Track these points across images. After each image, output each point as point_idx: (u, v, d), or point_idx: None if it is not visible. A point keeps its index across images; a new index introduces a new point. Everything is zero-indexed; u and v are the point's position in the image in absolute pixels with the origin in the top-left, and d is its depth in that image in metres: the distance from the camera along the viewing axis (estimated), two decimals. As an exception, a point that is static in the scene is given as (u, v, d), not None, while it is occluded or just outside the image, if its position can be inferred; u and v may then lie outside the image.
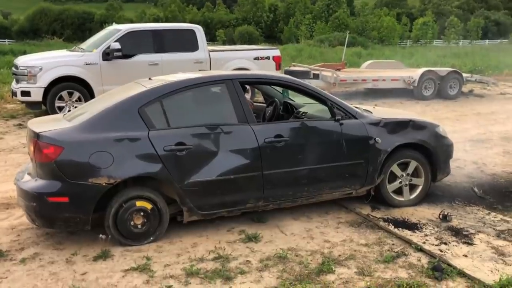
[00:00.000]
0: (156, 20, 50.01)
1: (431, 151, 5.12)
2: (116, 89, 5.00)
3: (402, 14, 64.54)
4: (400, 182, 5.10)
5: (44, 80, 9.36)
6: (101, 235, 4.16)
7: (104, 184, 3.98)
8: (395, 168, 5.03)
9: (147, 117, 4.20)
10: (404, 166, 5.07)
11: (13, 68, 10.08)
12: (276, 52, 11.92)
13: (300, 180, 4.64)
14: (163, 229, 4.32)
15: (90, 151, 3.97)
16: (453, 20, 56.85)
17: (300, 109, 5.43)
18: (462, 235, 4.43)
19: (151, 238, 4.25)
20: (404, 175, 5.08)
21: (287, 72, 12.75)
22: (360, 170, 4.85)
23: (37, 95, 9.41)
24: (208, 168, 4.29)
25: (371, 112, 5.19)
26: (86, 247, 4.18)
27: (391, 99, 13.15)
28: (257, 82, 5.21)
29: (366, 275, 3.76)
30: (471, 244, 4.27)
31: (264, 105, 5.83)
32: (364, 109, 5.26)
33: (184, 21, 55.17)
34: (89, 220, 4.04)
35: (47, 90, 9.45)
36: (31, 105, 9.80)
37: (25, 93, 9.43)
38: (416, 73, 13.26)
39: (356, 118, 4.87)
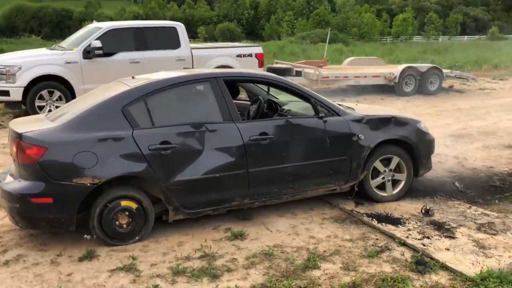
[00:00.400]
0: (136, 17, 49.50)
1: (413, 147, 5.19)
2: (99, 88, 4.97)
3: (383, 11, 64.94)
4: (383, 178, 5.17)
5: (23, 79, 9.23)
6: (86, 235, 4.14)
7: (88, 184, 3.96)
8: (378, 164, 5.10)
9: (131, 116, 4.18)
10: (386, 162, 5.15)
11: (-9, 67, 9.90)
12: (258, 49, 11.93)
13: (285, 177, 4.67)
14: (149, 229, 4.31)
15: (74, 151, 3.94)
16: (432, 16, 57.62)
17: (284, 107, 5.46)
18: (444, 229, 4.51)
19: (137, 237, 4.24)
20: (387, 170, 5.15)
21: (270, 70, 12.76)
22: (344, 166, 4.90)
23: (16, 95, 9.27)
24: (193, 167, 4.29)
25: (354, 109, 5.24)
26: (71, 248, 4.15)
27: (373, 95, 13.28)
28: (241, 80, 5.23)
29: (351, 270, 3.80)
30: (453, 237, 4.35)
31: (248, 103, 5.84)
32: (347, 106, 5.31)
33: (165, 19, 54.74)
34: (73, 220, 4.01)
35: (27, 89, 9.31)
36: (10, 104, 9.66)
37: (4, 93, 9.28)
38: (397, 69, 13.40)
39: (339, 115, 4.92)
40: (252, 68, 11.56)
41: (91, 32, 10.14)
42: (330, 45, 30.59)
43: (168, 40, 10.60)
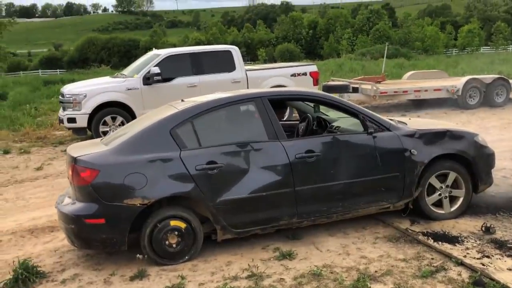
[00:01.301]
0: (198, 43, 51.07)
1: (471, 161, 4.95)
2: (150, 112, 5.14)
3: (447, 23, 63.22)
4: (440, 195, 4.94)
5: (88, 106, 9.73)
6: (138, 255, 4.24)
7: (138, 205, 4.08)
8: (433, 180, 4.89)
9: (178, 137, 4.29)
10: (443, 178, 4.92)
11: (60, 97, 10.54)
12: (313, 68, 11.91)
13: (334, 196, 4.59)
14: (198, 248, 4.36)
15: (125, 173, 4.09)
16: (500, 26, 55.21)
17: (333, 124, 5.39)
18: (506, 248, 4.24)
19: (186, 257, 4.30)
20: (443, 187, 4.92)
21: (325, 87, 12.69)
22: (396, 183, 4.74)
23: (82, 121, 9.78)
24: (239, 186, 4.31)
25: (406, 124, 5.08)
26: (123, 267, 4.27)
27: (435, 109, 12.84)
28: (286, 99, 5.22)
29: (403, 291, 3.65)
30: (516, 257, 4.07)
31: (297, 122, 5.82)
32: (398, 121, 5.16)
33: (226, 43, 56.16)
34: (125, 240, 4.13)
35: (92, 116, 9.80)
36: (77, 131, 10.18)
37: (71, 120, 9.83)
38: (459, 82, 12.90)
39: (390, 130, 4.79)
40: (307, 87, 11.59)
41: (151, 59, 10.57)
42: (391, 60, 30.08)
43: (224, 63, 10.84)
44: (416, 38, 51.72)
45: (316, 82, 11.81)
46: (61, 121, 10.19)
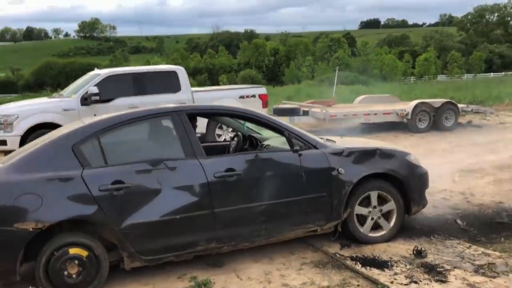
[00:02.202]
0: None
1: (402, 181, 4.71)
2: (60, 128, 4.72)
3: (406, 52, 64.98)
4: (372, 219, 4.67)
5: (20, 128, 9.14)
6: (30, 286, 3.76)
7: (31, 229, 3.62)
8: (358, 208, 4.62)
9: (81, 154, 3.88)
10: (369, 201, 4.67)
11: (-10, 118, 9.92)
12: (262, 90, 11.68)
13: (256, 218, 4.24)
14: (103, 278, 3.90)
15: (16, 193, 3.64)
16: (454, 55, 57.14)
17: (264, 142, 5.09)
18: (436, 272, 3.98)
19: (89, 288, 3.84)
20: (371, 210, 4.65)
21: (276, 110, 12.53)
22: (323, 204, 4.45)
23: (13, 144, 9.14)
24: (150, 208, 3.92)
25: (335, 142, 4.83)
26: (15, 302, 3.78)
27: (386, 132, 12.79)
28: (206, 114, 4.89)
29: (320, 322, 3.31)
30: (445, 281, 3.82)
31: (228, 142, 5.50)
32: (327, 139, 4.91)
33: (187, 68, 56.09)
34: (15, 270, 3.65)
35: (24, 138, 9.20)
36: (8, 153, 9.54)
37: (1, 142, 9.20)
38: (409, 106, 12.93)
39: (317, 148, 4.51)
40: (256, 109, 11.34)
41: (90, 79, 10.10)
42: (348, 86, 30.44)
43: (169, 84, 10.45)
44: (375, 66, 52.80)
45: (265, 105, 11.57)
46: (-9, 143, 9.55)
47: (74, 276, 3.78)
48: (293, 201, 4.36)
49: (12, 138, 9.16)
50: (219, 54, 64.94)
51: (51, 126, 9.33)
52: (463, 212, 5.63)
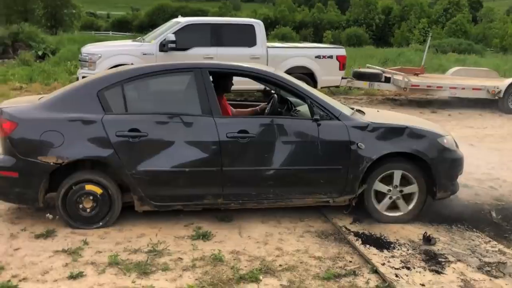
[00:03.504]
0: (265, 19, 50.82)
1: (428, 164, 4.48)
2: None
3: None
4: (390, 198, 4.53)
5: (102, 67, 9.78)
6: (48, 214, 4.20)
7: (52, 163, 4.02)
8: (379, 185, 4.50)
9: (105, 100, 4.16)
10: (390, 179, 4.51)
11: (79, 55, 10.74)
12: (340, 51, 11.40)
13: (265, 181, 4.32)
14: (114, 216, 4.26)
15: (42, 129, 4.03)
16: None
17: (298, 107, 5.07)
18: (435, 262, 3.82)
19: (100, 223, 4.21)
20: (391, 188, 4.51)
21: (356, 73, 12.14)
22: (338, 177, 4.39)
23: (96, 81, 9.89)
24: (161, 158, 4.15)
25: (364, 114, 4.68)
26: (38, 225, 4.25)
27: (472, 110, 11.92)
28: (228, 73, 4.91)
29: (291, 290, 3.38)
30: (440, 272, 3.66)
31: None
32: (357, 110, 4.77)
33: (294, 22, 55.51)
34: (37, 197, 4.10)
35: (106, 77, 9.89)
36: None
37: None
38: (503, 83, 11.85)
39: (339, 120, 4.41)
40: (332, 70, 11.14)
41: (171, 26, 10.50)
42: (461, 55, 28.39)
43: (245, 37, 10.57)
44: (496, 35, 48.47)
45: (342, 67, 11.31)
46: (77, 79, 10.37)
47: (88, 210, 4.17)
48: (305, 170, 4.35)
49: (95, 76, 9.88)
50: (327, 9, 63.24)
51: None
52: (505, 205, 5.23)
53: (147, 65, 4.49)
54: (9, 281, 3.32)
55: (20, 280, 3.37)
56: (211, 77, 4.41)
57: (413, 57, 25.75)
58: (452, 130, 9.16)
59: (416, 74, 12.96)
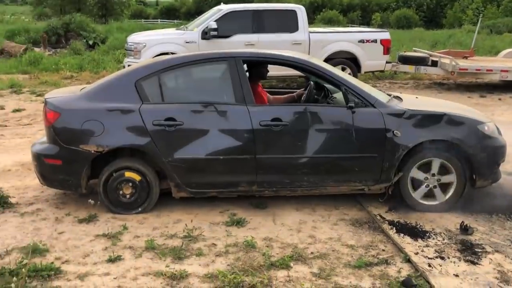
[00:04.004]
0: (312, 3, 50.14)
1: (468, 152, 4.36)
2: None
3: None
4: (427, 186, 4.45)
5: (147, 55, 10.01)
6: (90, 200, 4.40)
7: (93, 152, 4.20)
8: (416, 173, 4.42)
9: (142, 90, 4.29)
10: (429, 167, 4.42)
11: (125, 44, 11.02)
12: (385, 35, 11.14)
13: (299, 169, 4.34)
14: (152, 201, 4.40)
15: (84, 119, 4.21)
16: None
17: (334, 94, 5.03)
18: (471, 252, 3.74)
19: (139, 209, 4.37)
20: (429, 176, 4.42)
21: (401, 57, 11.84)
22: (373, 165, 4.35)
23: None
24: (197, 146, 4.24)
25: (401, 101, 4.60)
26: (81, 210, 4.45)
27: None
28: (261, 61, 4.91)
29: (321, 277, 3.41)
30: (475, 263, 3.59)
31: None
32: (395, 96, 4.69)
33: (341, 4, 54.37)
34: (80, 184, 4.30)
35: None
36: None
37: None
38: (559, 65, 11.27)
39: (374, 107, 4.36)
40: (376, 55, 10.93)
41: (213, 13, 10.59)
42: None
43: (287, 23, 10.53)
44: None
45: (386, 51, 11.08)
46: (124, 67, 10.67)
47: (127, 196, 4.34)
48: (339, 158, 4.34)
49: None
50: (377, -10, 61.47)
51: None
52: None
53: (183, 55, 4.58)
54: (52, 263, 3.51)
55: (62, 263, 3.56)
56: (245, 66, 4.45)
57: (465, 39, 24.85)
58: (502, 115, 8.87)
59: (465, 57, 12.52)
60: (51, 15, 34.43)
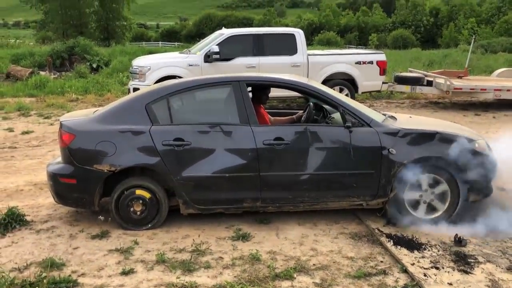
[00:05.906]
0: (310, 24, 50.94)
1: (460, 168, 4.61)
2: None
3: None
4: (420, 196, 4.68)
5: (151, 78, 10.35)
6: (100, 216, 4.63)
7: (106, 171, 4.45)
8: (409, 194, 4.65)
9: (152, 112, 4.56)
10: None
11: (130, 67, 11.35)
12: (381, 56, 11.48)
13: (300, 185, 4.59)
14: (162, 218, 4.64)
15: (97, 140, 4.47)
16: None
17: (332, 115, 5.31)
18: (464, 262, 3.97)
19: (149, 225, 4.60)
20: (423, 193, 4.66)
21: (397, 78, 12.18)
22: (370, 181, 4.60)
23: (145, 92, 10.44)
24: (204, 165, 4.49)
25: (396, 120, 4.87)
26: (94, 226, 4.69)
27: (512, 112, 11.67)
28: (263, 85, 5.21)
29: (323, 287, 3.63)
30: (468, 272, 3.81)
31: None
32: (390, 116, 4.96)
33: (338, 27, 55.33)
34: (93, 201, 4.54)
35: (154, 88, 10.43)
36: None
37: (136, 90, 10.49)
38: (551, 85, 11.59)
39: (370, 126, 4.63)
40: (373, 76, 11.25)
41: (215, 37, 10.95)
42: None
43: (286, 46, 10.87)
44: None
45: (383, 72, 11.40)
46: (129, 90, 10.99)
47: (138, 213, 4.57)
48: (339, 175, 4.59)
49: (145, 87, 10.42)
50: (373, 12, 62.65)
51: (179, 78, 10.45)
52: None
53: (190, 79, 4.86)
54: (69, 276, 3.73)
55: (79, 276, 3.78)
56: (249, 89, 4.73)
57: (460, 58, 25.24)
58: (496, 132, 9.13)
59: (460, 77, 12.86)
60: (54, 39, 35.01)
